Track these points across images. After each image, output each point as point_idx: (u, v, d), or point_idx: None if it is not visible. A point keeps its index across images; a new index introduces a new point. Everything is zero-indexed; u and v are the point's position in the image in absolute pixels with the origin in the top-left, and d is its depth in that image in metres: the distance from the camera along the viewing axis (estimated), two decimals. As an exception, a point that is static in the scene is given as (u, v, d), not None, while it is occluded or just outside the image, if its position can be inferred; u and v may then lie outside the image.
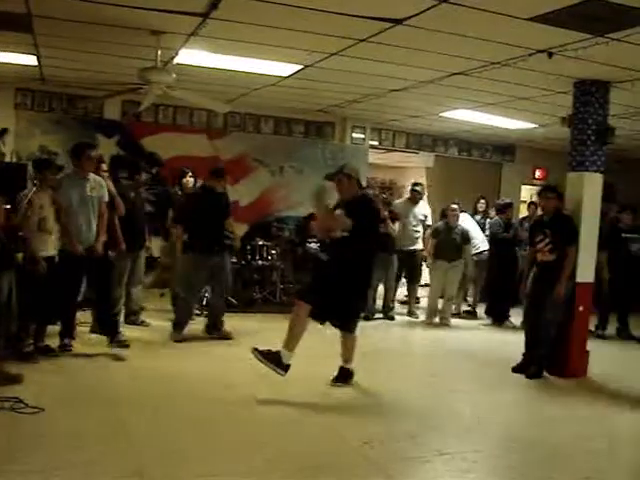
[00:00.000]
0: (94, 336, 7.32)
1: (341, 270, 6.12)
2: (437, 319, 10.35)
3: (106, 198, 7.19)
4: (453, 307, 10.62)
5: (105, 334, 7.19)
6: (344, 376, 6.42)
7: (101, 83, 9.17)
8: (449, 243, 10.23)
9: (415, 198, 10.79)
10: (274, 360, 5.90)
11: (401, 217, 10.34)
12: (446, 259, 10.23)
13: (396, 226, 10.06)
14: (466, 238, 10.40)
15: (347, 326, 6.33)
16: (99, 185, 7.09)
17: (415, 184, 11.14)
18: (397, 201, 11.47)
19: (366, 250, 6.24)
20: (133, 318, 8.34)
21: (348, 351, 6.40)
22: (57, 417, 5.00)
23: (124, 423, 5.01)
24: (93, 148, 7.21)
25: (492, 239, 10.62)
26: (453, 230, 10.27)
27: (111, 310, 7.38)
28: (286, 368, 5.92)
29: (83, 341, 7.23)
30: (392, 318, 10.22)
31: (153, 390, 5.91)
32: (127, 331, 7.64)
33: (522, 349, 7.44)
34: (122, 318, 8.04)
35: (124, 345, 7.15)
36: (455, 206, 10.37)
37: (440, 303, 10.41)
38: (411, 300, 10.86)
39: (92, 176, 7.05)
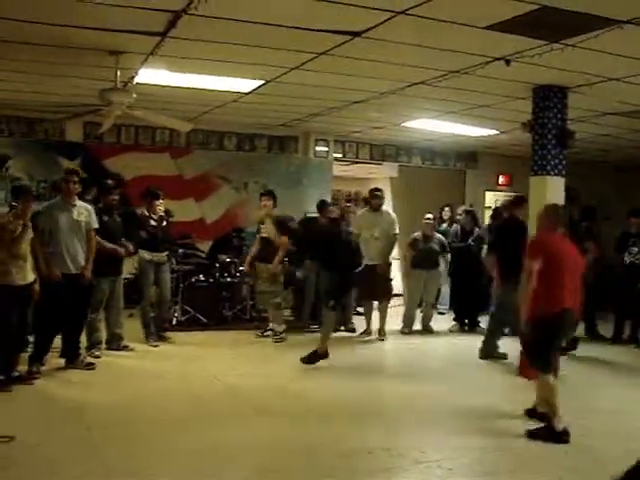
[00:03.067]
0: (63, 360, 7.27)
1: None
2: (419, 326, 10.43)
3: (94, 225, 7.30)
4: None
5: (67, 357, 7.23)
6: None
7: (61, 105, 9.07)
8: (428, 252, 10.34)
9: (376, 205, 9.89)
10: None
11: (361, 229, 9.53)
12: (424, 268, 10.33)
13: None
14: (444, 247, 10.56)
15: None
16: (86, 211, 7.22)
17: (375, 189, 10.19)
18: (358, 212, 10.47)
19: None
20: (116, 344, 8.19)
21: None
22: (30, 444, 4.91)
23: (97, 446, 4.95)
24: (74, 174, 7.33)
25: (450, 248, 10.73)
26: (431, 239, 10.39)
27: (79, 334, 7.39)
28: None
29: (51, 365, 7.20)
30: (353, 330, 10.12)
31: (124, 412, 5.85)
32: (109, 357, 7.77)
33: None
34: (103, 344, 8.03)
35: (90, 367, 7.21)
36: (430, 215, 10.55)
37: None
38: (381, 319, 9.80)
39: (79, 202, 7.22)
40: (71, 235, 7.03)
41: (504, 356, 8.31)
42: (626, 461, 3.33)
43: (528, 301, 5.43)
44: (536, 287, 5.37)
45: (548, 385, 5.47)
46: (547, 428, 5.37)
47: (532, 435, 5.38)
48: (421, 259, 10.33)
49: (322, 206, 10.14)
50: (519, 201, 8.45)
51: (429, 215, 10.52)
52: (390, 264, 9.98)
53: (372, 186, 10.93)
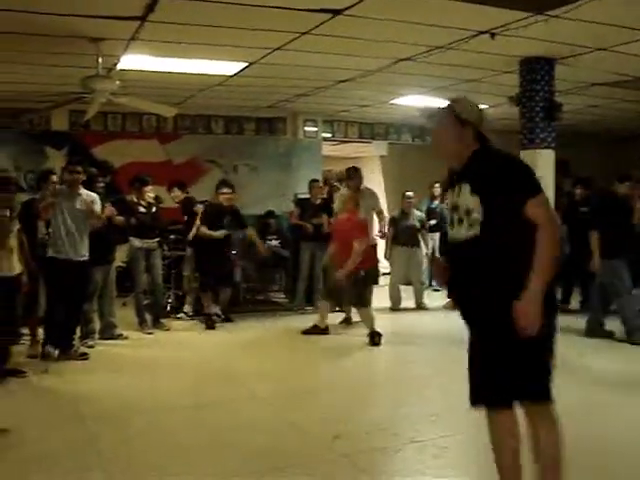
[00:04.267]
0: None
1: None
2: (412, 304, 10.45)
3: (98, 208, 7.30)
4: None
5: (61, 347, 7.16)
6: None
7: (45, 95, 9.00)
8: (408, 229, 10.38)
9: (354, 185, 9.35)
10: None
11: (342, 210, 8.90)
12: (407, 245, 10.34)
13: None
14: (423, 224, 10.61)
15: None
16: (89, 199, 7.20)
17: (350, 169, 9.77)
18: (341, 192, 9.81)
19: None
20: (110, 332, 8.13)
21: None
22: (24, 437, 4.87)
23: (92, 437, 4.92)
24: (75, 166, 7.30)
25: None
26: (410, 216, 10.43)
27: (76, 324, 7.40)
28: None
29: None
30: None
31: (119, 401, 5.82)
32: (102, 346, 7.72)
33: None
34: (97, 334, 7.96)
35: (84, 358, 7.17)
36: (410, 194, 10.54)
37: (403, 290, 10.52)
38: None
39: (84, 191, 7.21)
40: (73, 223, 7.04)
41: (610, 334, 8.09)
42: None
43: None
44: None
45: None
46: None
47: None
48: (401, 236, 10.39)
49: (311, 186, 10.12)
50: (623, 178, 8.45)
51: (409, 193, 10.56)
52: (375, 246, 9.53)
53: (362, 164, 10.89)
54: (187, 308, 9.61)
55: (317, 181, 10.45)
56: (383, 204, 12.71)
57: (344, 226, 8.12)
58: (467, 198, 3.18)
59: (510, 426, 3.21)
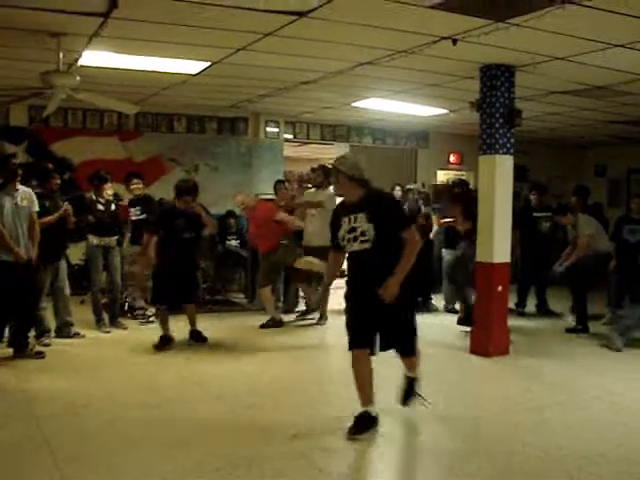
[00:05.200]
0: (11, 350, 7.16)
1: None
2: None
3: (36, 208, 7.20)
4: None
5: (15, 346, 7.14)
6: None
7: (3, 89, 8.85)
8: None
9: (314, 183, 9.65)
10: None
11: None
12: None
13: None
14: None
15: None
16: (28, 196, 7.12)
17: (313, 168, 9.95)
18: (308, 191, 10.17)
19: None
20: (66, 331, 8.05)
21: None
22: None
23: (47, 437, 4.87)
24: (14, 157, 7.33)
25: None
26: None
27: (30, 323, 7.31)
28: None
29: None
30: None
31: (75, 400, 5.77)
32: (58, 345, 7.69)
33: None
34: (52, 332, 7.89)
35: (40, 356, 7.13)
36: None
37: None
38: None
39: (21, 187, 7.09)
40: (15, 221, 6.91)
41: None
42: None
43: None
44: None
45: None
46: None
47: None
48: None
49: (277, 187, 10.01)
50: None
51: None
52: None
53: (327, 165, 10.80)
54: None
55: (283, 182, 10.20)
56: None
57: (265, 213, 9.17)
58: (364, 224, 4.89)
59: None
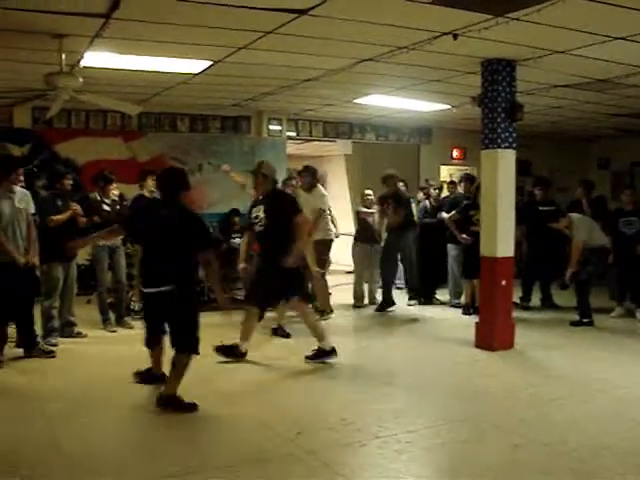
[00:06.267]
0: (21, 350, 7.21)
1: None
2: (366, 301, 10.66)
3: (32, 210, 7.23)
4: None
5: (24, 346, 7.18)
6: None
7: (6, 91, 8.88)
8: (369, 226, 10.63)
9: (304, 184, 9.53)
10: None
11: None
12: (367, 242, 10.54)
13: None
14: None
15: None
16: (26, 197, 7.15)
17: (303, 168, 9.81)
18: (301, 194, 9.65)
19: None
20: (69, 331, 8.10)
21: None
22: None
23: (58, 437, 4.91)
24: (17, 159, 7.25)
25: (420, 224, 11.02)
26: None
27: (32, 323, 7.30)
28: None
29: (8, 355, 7.09)
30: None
31: (85, 400, 5.80)
32: (65, 344, 7.69)
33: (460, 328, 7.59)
34: (57, 331, 7.89)
35: (50, 355, 7.19)
36: (369, 192, 10.88)
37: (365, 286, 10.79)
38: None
39: (18, 189, 7.11)
40: (14, 223, 6.93)
41: None
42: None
43: None
44: None
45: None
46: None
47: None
48: (364, 233, 10.62)
49: (286, 184, 9.98)
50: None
51: (368, 191, 10.86)
52: (328, 241, 9.68)
53: (327, 163, 10.92)
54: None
55: (291, 179, 10.19)
56: (347, 202, 12.88)
57: None
58: (261, 213, 7.01)
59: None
